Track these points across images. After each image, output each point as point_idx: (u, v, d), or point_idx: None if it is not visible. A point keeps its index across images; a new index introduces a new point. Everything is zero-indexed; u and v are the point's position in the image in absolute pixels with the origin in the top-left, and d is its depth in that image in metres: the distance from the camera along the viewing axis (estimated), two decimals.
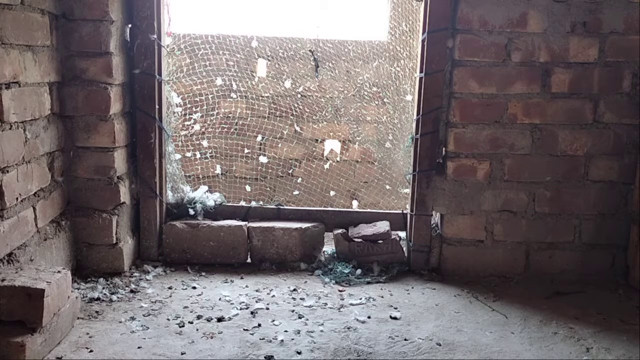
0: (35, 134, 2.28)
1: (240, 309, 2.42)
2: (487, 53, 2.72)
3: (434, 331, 2.29)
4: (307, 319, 2.35)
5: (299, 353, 2.07)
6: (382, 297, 2.61)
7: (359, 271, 2.83)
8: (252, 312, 2.39)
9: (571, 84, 2.76)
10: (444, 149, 2.84)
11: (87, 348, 2.04)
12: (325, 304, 2.51)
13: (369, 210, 3.20)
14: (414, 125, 2.90)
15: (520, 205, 2.85)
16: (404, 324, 2.35)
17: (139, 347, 2.06)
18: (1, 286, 1.89)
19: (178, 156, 3.03)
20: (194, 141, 3.28)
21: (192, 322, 2.28)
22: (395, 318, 2.40)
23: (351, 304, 2.52)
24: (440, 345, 2.18)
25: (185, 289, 2.61)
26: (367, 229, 2.95)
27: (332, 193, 3.55)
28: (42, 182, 2.36)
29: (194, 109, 3.28)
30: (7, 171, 2.07)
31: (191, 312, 2.37)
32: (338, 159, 3.76)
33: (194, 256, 2.89)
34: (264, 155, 3.66)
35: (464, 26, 2.70)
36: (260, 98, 3.63)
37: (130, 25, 2.70)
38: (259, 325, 2.28)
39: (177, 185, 3.00)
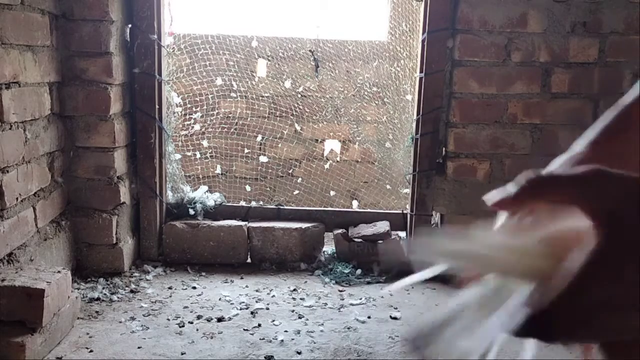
0: (35, 134, 2.28)
1: (240, 309, 2.42)
2: (487, 53, 2.72)
3: None
4: (307, 319, 2.35)
5: (299, 353, 2.07)
6: (382, 297, 2.61)
7: (359, 271, 2.83)
8: (252, 312, 2.39)
9: (571, 84, 2.76)
10: (444, 149, 2.84)
11: (87, 348, 2.04)
12: (325, 304, 2.51)
13: (369, 210, 3.20)
14: (414, 125, 2.90)
15: None
16: (404, 324, 2.35)
17: (139, 347, 2.06)
18: (1, 286, 1.89)
19: (178, 156, 3.03)
20: (194, 141, 3.28)
21: (192, 322, 2.28)
22: (395, 318, 2.40)
23: (351, 304, 2.51)
24: None
25: (185, 289, 2.61)
26: (367, 229, 2.95)
27: (332, 193, 3.55)
28: (42, 182, 2.36)
29: (194, 109, 3.27)
30: (7, 171, 2.07)
31: (191, 312, 2.37)
32: (338, 159, 3.76)
33: (194, 256, 2.89)
34: (264, 155, 3.66)
35: (464, 26, 2.70)
36: (260, 98, 3.62)
37: (130, 25, 2.69)
38: (259, 325, 2.28)
39: (177, 185, 3.00)
